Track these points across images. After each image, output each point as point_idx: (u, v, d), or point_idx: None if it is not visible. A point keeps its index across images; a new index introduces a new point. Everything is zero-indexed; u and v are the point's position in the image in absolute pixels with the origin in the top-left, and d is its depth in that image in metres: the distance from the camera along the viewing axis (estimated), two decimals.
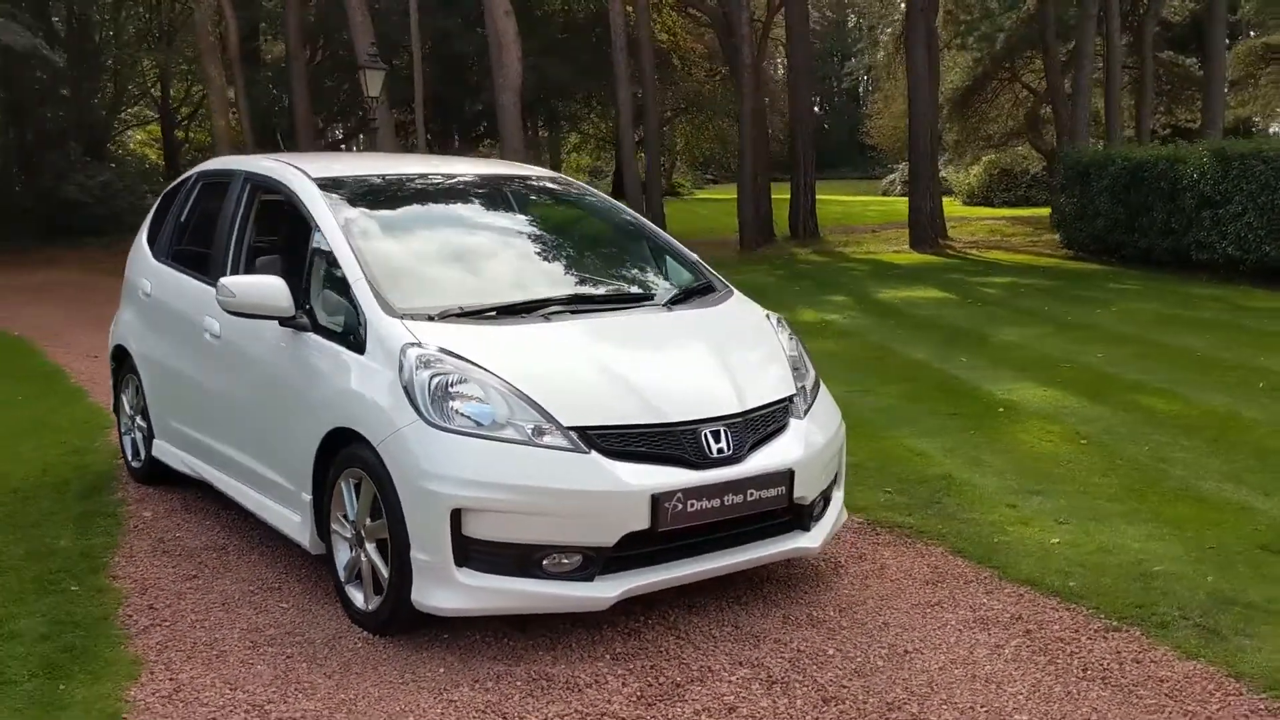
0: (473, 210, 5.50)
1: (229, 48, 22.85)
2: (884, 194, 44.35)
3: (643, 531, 4.07)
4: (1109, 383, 8.99)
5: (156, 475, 6.18)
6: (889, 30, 30.44)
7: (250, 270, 5.34)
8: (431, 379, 4.13)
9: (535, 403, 4.09)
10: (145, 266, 6.32)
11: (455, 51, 24.52)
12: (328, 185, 5.16)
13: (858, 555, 5.19)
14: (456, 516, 3.96)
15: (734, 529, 4.36)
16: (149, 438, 6.18)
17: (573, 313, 4.74)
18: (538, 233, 5.46)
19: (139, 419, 6.32)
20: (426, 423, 4.05)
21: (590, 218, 5.86)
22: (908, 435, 7.46)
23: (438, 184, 5.70)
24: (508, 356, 4.31)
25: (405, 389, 4.14)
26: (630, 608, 4.43)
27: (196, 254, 5.85)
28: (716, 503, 4.18)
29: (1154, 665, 4.02)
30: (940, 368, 9.94)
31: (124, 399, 6.54)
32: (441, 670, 4.03)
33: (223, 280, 4.71)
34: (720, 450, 4.24)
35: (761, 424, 4.42)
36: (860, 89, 64.51)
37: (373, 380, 4.29)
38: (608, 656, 4.11)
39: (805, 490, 4.46)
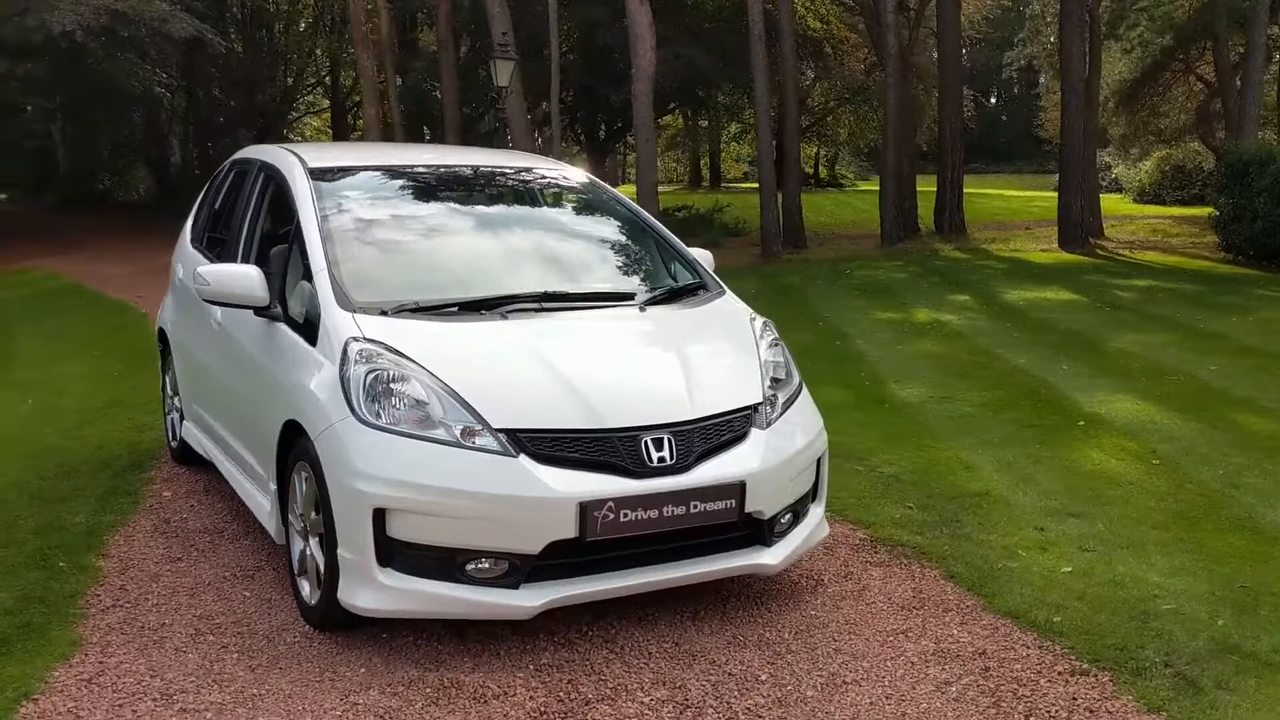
0: (465, 204, 5.42)
1: (381, 37, 23.42)
2: (1056, 189, 42.60)
3: (570, 540, 3.92)
4: (1211, 398, 8.39)
5: (189, 456, 6.32)
6: (1049, 19, 29.10)
7: (261, 259, 5.38)
8: (367, 375, 4.08)
9: (467, 403, 4.00)
10: (182, 252, 6.49)
11: (601, 43, 24.56)
12: (320, 174, 5.17)
13: (843, 574, 4.94)
14: (380, 516, 3.89)
15: (680, 541, 4.18)
16: (180, 419, 6.34)
17: (537, 311, 4.62)
18: (527, 227, 5.35)
19: (175, 400, 6.49)
20: (358, 419, 4.00)
21: (590, 213, 5.74)
22: (966, 447, 7.10)
23: (437, 176, 5.65)
24: (450, 354, 4.23)
25: (342, 384, 4.10)
26: (575, 617, 4.31)
27: (219, 240, 5.96)
28: (654, 514, 4.02)
29: (1107, 717, 3.68)
30: (1037, 375, 9.44)
31: (166, 380, 6.73)
32: (363, 671, 3.98)
33: (199, 269, 4.77)
34: (661, 459, 4.06)
35: (715, 432, 4.23)
36: (1038, 79, 62.29)
37: (319, 374, 4.27)
38: (531, 667, 4.00)
39: (762, 504, 4.24)
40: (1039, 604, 4.57)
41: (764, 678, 3.95)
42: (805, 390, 4.80)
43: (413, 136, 29.36)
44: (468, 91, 26.18)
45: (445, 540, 3.91)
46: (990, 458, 6.86)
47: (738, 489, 4.16)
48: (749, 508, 4.21)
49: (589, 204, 5.79)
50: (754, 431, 4.34)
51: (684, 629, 4.33)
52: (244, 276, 4.65)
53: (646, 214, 5.60)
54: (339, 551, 4.01)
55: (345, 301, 4.44)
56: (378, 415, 4.00)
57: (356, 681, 3.90)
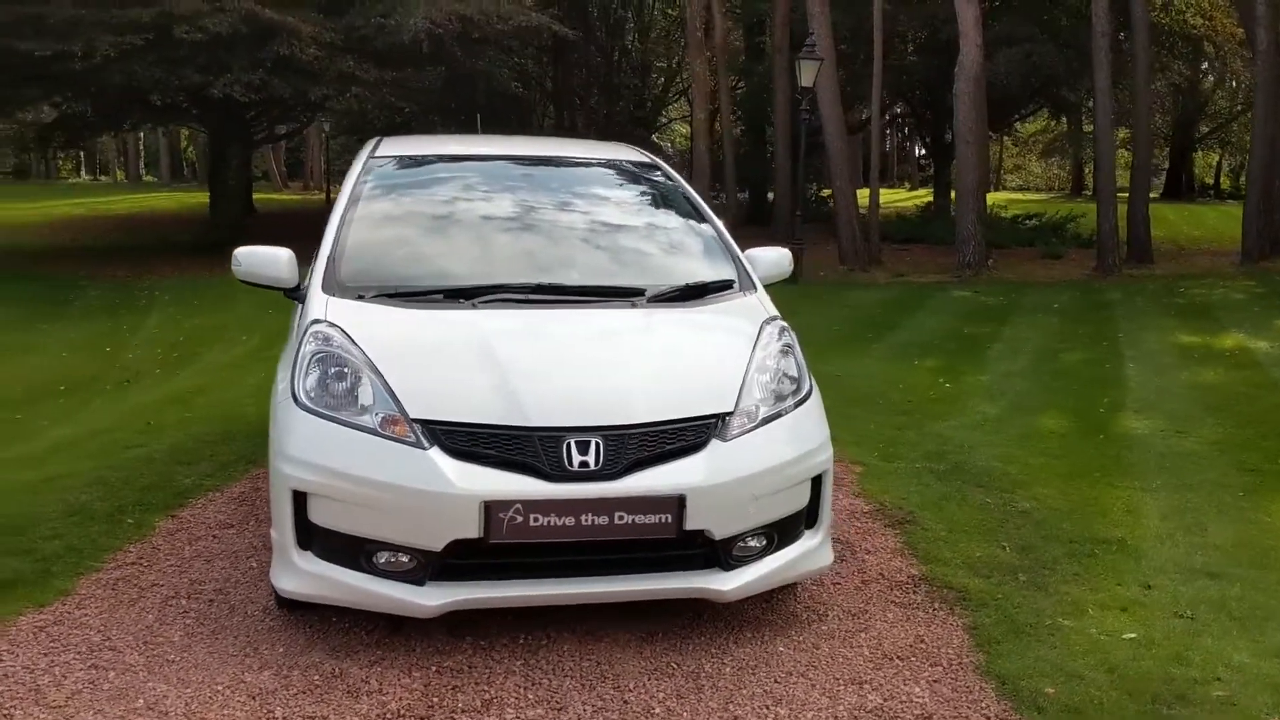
0: (511, 193, 5.29)
1: (715, 42, 23.67)
2: None
3: (474, 541, 3.74)
4: None
5: None
6: None
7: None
8: (313, 357, 4.08)
9: (392, 391, 3.91)
10: None
11: (943, 38, 23.59)
12: (380, 160, 5.26)
13: (853, 611, 4.43)
14: (301, 499, 3.88)
15: (616, 554, 3.89)
16: None
17: (520, 303, 4.45)
18: (564, 218, 5.16)
19: None
20: (294, 400, 4.01)
21: (643, 206, 5.44)
22: (1148, 488, 6.25)
23: (500, 166, 5.57)
24: (397, 342, 4.16)
25: (293, 364, 4.13)
26: (524, 621, 4.12)
27: None
28: (570, 521, 3.76)
29: None
30: None
31: None
32: (280, 650, 3.99)
33: (235, 250, 4.94)
34: (584, 464, 3.79)
35: (658, 440, 3.89)
36: None
37: (286, 354, 4.32)
38: (432, 669, 3.85)
39: (708, 523, 3.87)
40: (1047, 672, 3.89)
41: (657, 712, 3.59)
42: (814, 403, 4.33)
43: (751, 142, 29.54)
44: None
45: (356, 529, 3.83)
46: (1165, 502, 5.97)
47: (674, 503, 3.81)
48: (690, 525, 3.84)
49: (647, 196, 5.51)
50: (713, 443, 3.96)
51: (621, 649, 4.02)
52: (273, 258, 4.76)
53: (705, 207, 5.25)
54: (271, 531, 4.03)
55: (331, 284, 4.47)
56: (315, 398, 3.98)
57: (266, 659, 3.91)
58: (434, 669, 3.84)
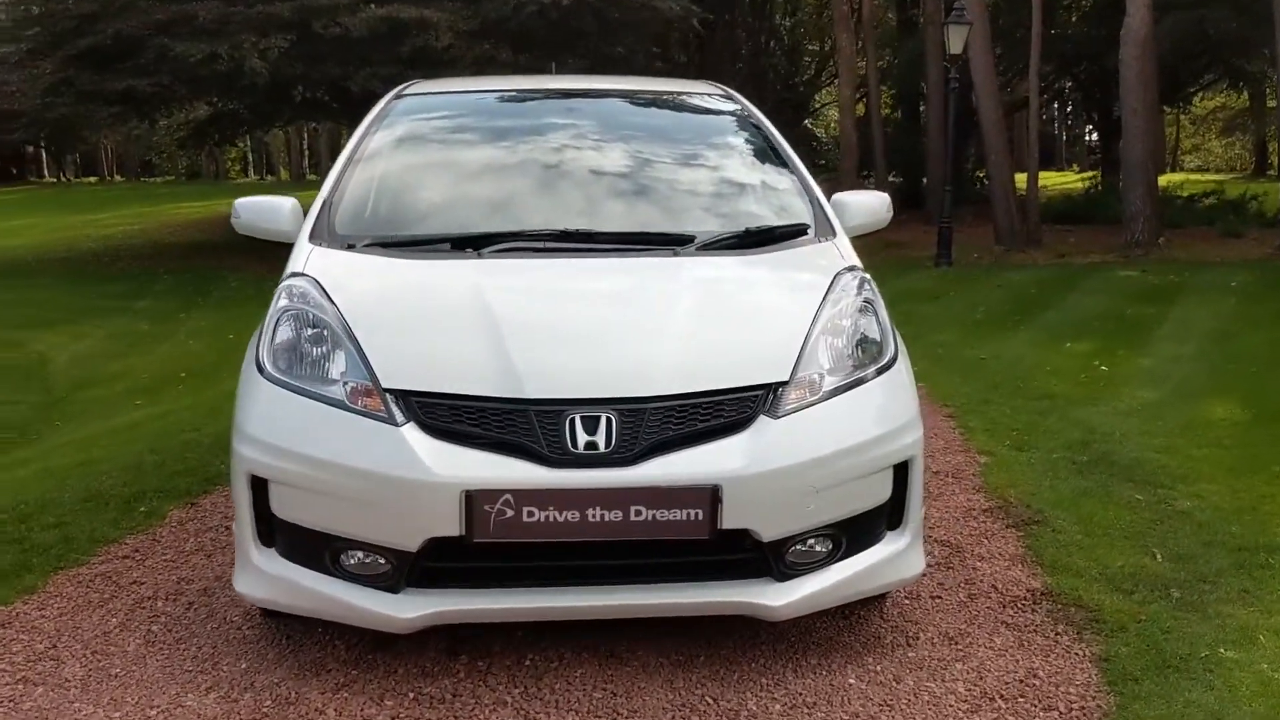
0: (551, 129, 4.53)
1: (862, 16, 22.55)
2: None
3: (455, 540, 3.00)
4: None
5: None
6: None
7: None
8: (282, 315, 3.42)
9: (365, 355, 3.20)
10: None
11: (1107, 2, 21.97)
12: (404, 98, 4.61)
13: (952, 635, 3.55)
14: (261, 486, 3.21)
15: (634, 557, 3.11)
16: None
17: (537, 252, 3.69)
18: (611, 155, 4.36)
19: None
20: (258, 368, 3.34)
21: (710, 142, 4.58)
22: None
23: (538, 98, 4.82)
24: (382, 299, 3.47)
25: (261, 325, 3.47)
26: (534, 637, 3.41)
27: None
28: (573, 516, 2.99)
29: None
30: None
31: None
32: (242, 665, 3.36)
33: (236, 201, 4.31)
34: (591, 445, 3.01)
35: (689, 416, 3.09)
36: None
37: (266, 313, 3.65)
38: (408, 695, 3.15)
39: (751, 521, 3.05)
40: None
41: None
42: (899, 373, 3.46)
43: (905, 122, 28.23)
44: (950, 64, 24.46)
45: (319, 523, 3.15)
46: None
47: (707, 496, 3.00)
48: (728, 524, 3.03)
49: (714, 133, 4.67)
50: (760, 420, 3.13)
51: (648, 678, 3.25)
52: (274, 208, 4.09)
53: (785, 146, 4.39)
54: (233, 525, 3.38)
55: (320, 232, 3.80)
56: (281, 365, 3.31)
57: (220, 677, 3.27)
58: (410, 696, 3.12)
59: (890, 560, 3.34)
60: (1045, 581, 3.93)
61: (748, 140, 4.48)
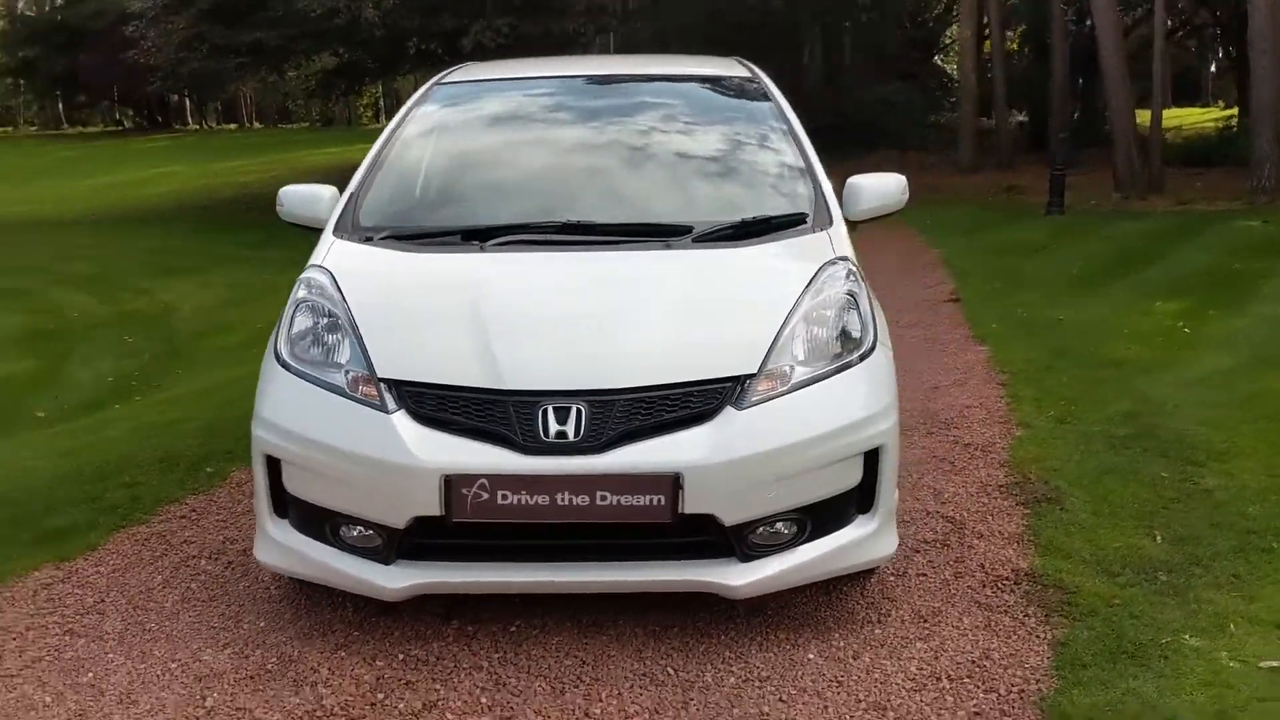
0: (575, 118, 4.73)
1: None
2: None
3: (437, 519, 3.29)
4: None
5: None
6: None
7: None
8: (298, 306, 3.73)
9: (364, 346, 3.49)
10: None
11: None
12: (443, 87, 4.86)
13: (919, 613, 3.71)
14: (275, 465, 3.54)
15: (604, 537, 3.35)
16: None
17: (540, 244, 3.92)
18: (626, 145, 4.53)
19: None
20: (276, 356, 3.67)
21: (723, 127, 4.70)
22: None
23: (568, 86, 5.00)
24: (387, 291, 3.75)
25: (281, 315, 3.79)
26: (525, 607, 3.66)
27: None
28: (544, 500, 3.24)
29: None
30: None
31: None
32: (262, 625, 3.72)
33: (281, 189, 4.62)
34: (561, 434, 3.26)
35: (657, 407, 3.31)
36: None
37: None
38: (397, 657, 3.45)
39: (713, 506, 3.27)
40: (1132, 713, 3.06)
41: None
42: (875, 364, 3.60)
43: (1033, 61, 27.38)
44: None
45: (322, 500, 3.47)
46: None
47: (668, 483, 3.22)
48: (690, 509, 3.25)
49: (732, 118, 4.79)
50: (726, 411, 3.33)
51: (619, 647, 3.49)
52: (314, 197, 4.40)
53: (799, 131, 4.51)
54: (253, 500, 3.73)
55: (345, 224, 4.10)
56: (295, 353, 3.63)
57: (238, 634, 3.63)
58: (400, 658, 3.43)
59: (859, 543, 3.51)
60: (1033, 562, 4.04)
61: (763, 126, 4.59)
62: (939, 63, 38.65)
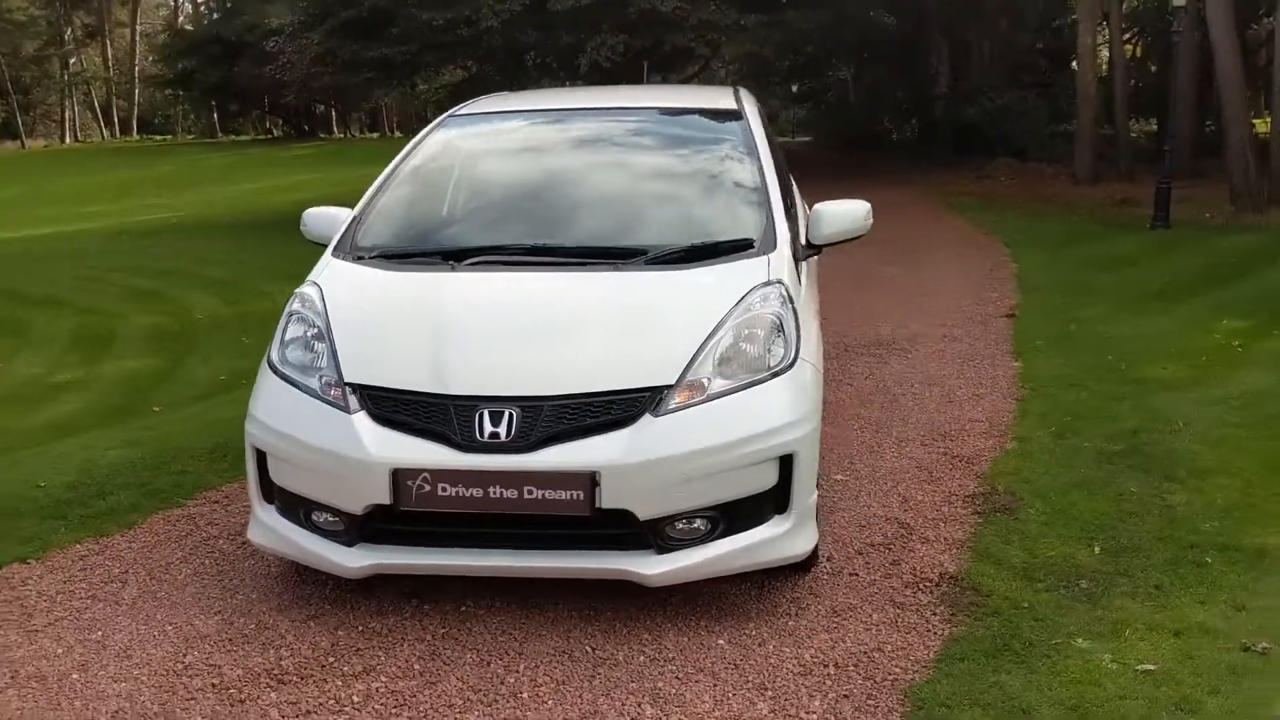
0: (561, 149, 5.17)
1: None
2: None
3: (388, 507, 3.77)
4: None
5: None
6: None
7: None
8: (289, 318, 4.25)
9: (336, 354, 4.00)
10: None
11: None
12: (453, 119, 5.35)
13: (835, 609, 4.03)
14: (263, 457, 4.07)
15: (536, 528, 3.78)
16: None
17: (507, 264, 4.37)
18: (602, 174, 4.96)
19: None
20: (268, 362, 4.20)
21: (698, 157, 5.08)
22: None
23: (562, 119, 5.44)
24: (363, 305, 4.24)
25: (279, 324, 4.32)
26: (483, 590, 4.11)
27: None
28: (478, 492, 3.69)
29: None
30: None
31: None
32: (254, 596, 4.22)
33: (306, 210, 5.17)
34: (494, 435, 3.70)
35: (580, 413, 3.72)
36: None
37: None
38: (356, 628, 3.93)
39: (628, 502, 3.67)
40: (987, 703, 3.36)
41: (524, 697, 3.47)
42: (794, 378, 3.94)
43: (1157, 70, 26.70)
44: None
45: (298, 488, 3.97)
46: None
47: (586, 480, 3.64)
48: (606, 504, 3.65)
49: (707, 147, 5.15)
50: (644, 419, 3.72)
51: (551, 627, 3.90)
52: (333, 219, 4.93)
53: (766, 160, 4.85)
54: (247, 487, 4.26)
55: (343, 245, 4.61)
56: (284, 359, 4.15)
57: (230, 605, 4.15)
58: (359, 629, 3.91)
59: (772, 541, 3.86)
60: (961, 567, 4.31)
61: (732, 156, 4.94)
62: (1076, 70, 37.90)
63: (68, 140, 52.83)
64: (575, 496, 3.65)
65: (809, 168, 27.45)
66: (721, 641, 3.79)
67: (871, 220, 4.85)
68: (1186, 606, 3.98)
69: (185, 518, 5.01)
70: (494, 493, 3.67)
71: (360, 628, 3.91)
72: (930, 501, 5.03)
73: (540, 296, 4.22)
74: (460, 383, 3.78)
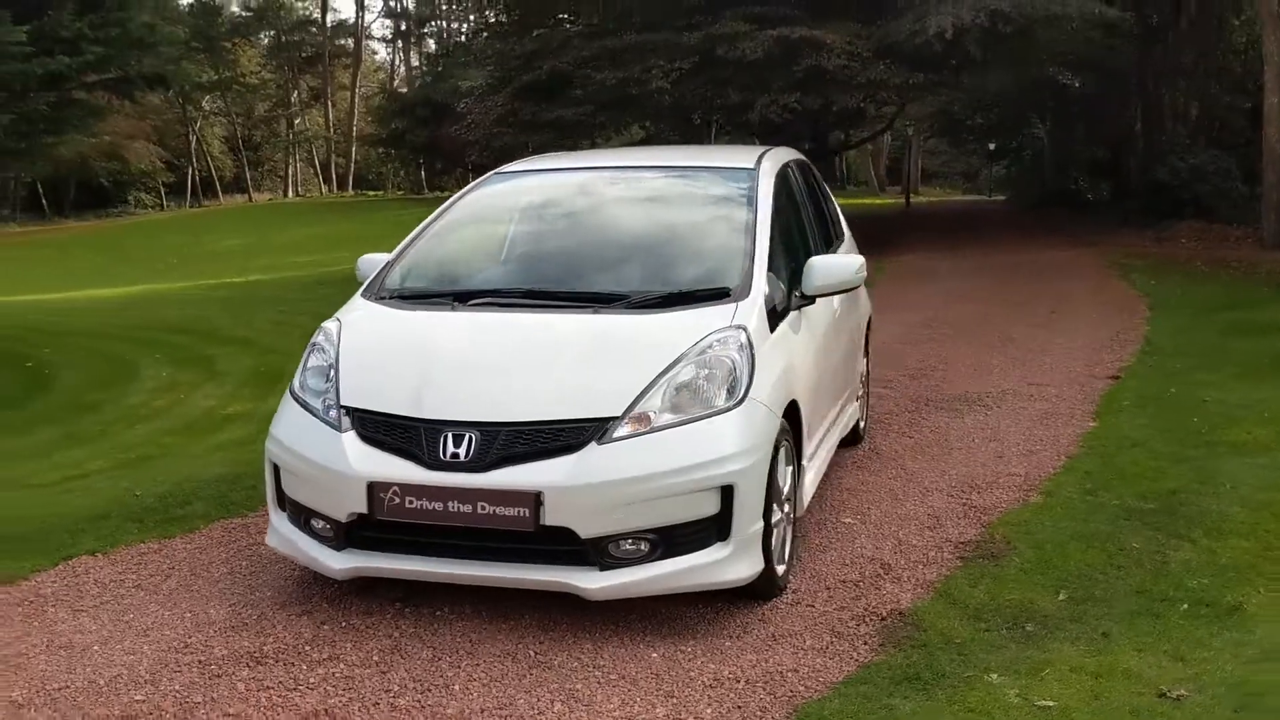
0: (579, 204, 5.62)
1: None
2: None
3: (367, 515, 4.27)
4: None
5: None
6: None
7: None
8: (311, 349, 4.82)
9: (339, 381, 4.54)
10: None
11: None
12: (497, 175, 5.89)
13: (775, 634, 4.28)
14: (278, 471, 4.64)
15: (495, 541, 4.20)
16: None
17: (504, 306, 4.83)
18: (609, 227, 5.39)
19: None
20: (290, 388, 4.78)
21: (703, 212, 5.44)
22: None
23: (587, 177, 5.89)
24: (370, 338, 4.77)
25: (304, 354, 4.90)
26: (463, 597, 4.53)
27: None
28: (439, 506, 4.15)
29: None
30: None
31: None
32: (267, 594, 4.76)
33: (360, 257, 5.77)
34: (454, 455, 4.16)
35: (531, 439, 4.14)
36: None
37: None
38: (340, 624, 4.41)
39: (570, 521, 4.06)
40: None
41: (455, 689, 3.87)
42: (740, 416, 4.26)
43: None
44: None
45: (300, 498, 4.51)
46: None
47: (531, 499, 4.05)
48: (550, 521, 4.05)
49: (712, 203, 5.48)
50: (589, 446, 4.11)
51: (503, 633, 4.28)
52: (376, 263, 5.53)
53: (764, 215, 5.17)
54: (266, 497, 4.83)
55: (374, 287, 5.17)
56: (302, 385, 4.72)
57: (244, 599, 4.70)
58: (342, 625, 4.39)
59: (711, 565, 4.17)
60: (915, 605, 4.49)
61: (732, 213, 5.27)
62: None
63: (289, 194, 56.62)
64: (521, 513, 4.05)
65: (991, 228, 27.21)
66: (655, 654, 4.10)
67: (864, 274, 5.13)
68: (1122, 653, 4.07)
69: (242, 527, 5.62)
70: (452, 507, 4.11)
71: (343, 624, 4.39)
72: (922, 546, 5.19)
73: (518, 333, 4.67)
74: (431, 408, 4.24)
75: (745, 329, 4.49)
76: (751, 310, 4.63)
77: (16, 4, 14.74)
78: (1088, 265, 18.98)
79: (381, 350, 4.70)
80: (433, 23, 56.84)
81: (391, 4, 61.71)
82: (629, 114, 23.78)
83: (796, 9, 21.32)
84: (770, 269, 4.96)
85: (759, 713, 3.66)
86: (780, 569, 4.60)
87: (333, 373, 4.60)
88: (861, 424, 7.05)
